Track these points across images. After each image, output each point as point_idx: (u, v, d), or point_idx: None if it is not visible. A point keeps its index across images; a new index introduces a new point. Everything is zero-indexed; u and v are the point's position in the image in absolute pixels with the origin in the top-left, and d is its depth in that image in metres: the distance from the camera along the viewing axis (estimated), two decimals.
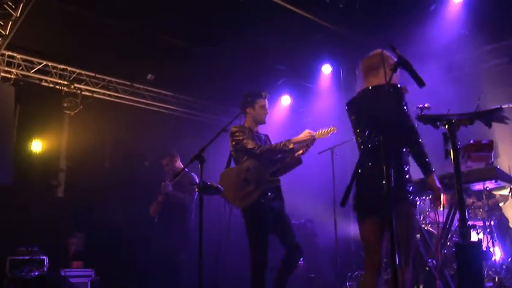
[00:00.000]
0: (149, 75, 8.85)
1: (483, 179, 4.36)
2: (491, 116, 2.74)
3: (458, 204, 2.61)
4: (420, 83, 3.02)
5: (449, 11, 7.24)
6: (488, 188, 5.10)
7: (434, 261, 4.44)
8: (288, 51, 8.21)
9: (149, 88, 9.16)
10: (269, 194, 4.46)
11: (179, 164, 7.03)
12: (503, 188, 5.30)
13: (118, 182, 7.93)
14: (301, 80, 9.57)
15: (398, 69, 3.12)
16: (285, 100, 9.68)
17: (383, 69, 3.41)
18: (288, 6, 7.13)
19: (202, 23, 7.59)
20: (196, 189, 4.22)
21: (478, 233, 5.66)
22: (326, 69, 9.31)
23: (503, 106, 2.94)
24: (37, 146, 8.37)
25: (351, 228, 8.72)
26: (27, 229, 7.14)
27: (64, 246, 7.95)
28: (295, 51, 8.28)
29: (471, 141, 2.82)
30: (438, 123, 2.90)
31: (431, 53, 7.40)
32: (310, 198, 8.30)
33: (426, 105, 4.92)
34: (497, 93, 6.46)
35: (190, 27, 7.71)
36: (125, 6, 7.00)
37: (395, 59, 3.05)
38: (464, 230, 2.54)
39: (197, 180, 6.91)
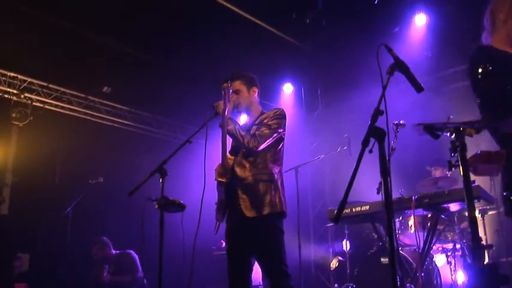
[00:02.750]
0: (105, 88, 8.27)
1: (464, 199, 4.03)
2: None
3: (469, 223, 2.21)
4: (419, 88, 2.66)
5: (412, 33, 7.20)
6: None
7: (412, 286, 4.05)
8: (250, 67, 7.82)
9: (104, 101, 8.56)
10: None
11: (111, 252, 6.64)
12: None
13: (67, 199, 7.23)
14: (261, 98, 9.21)
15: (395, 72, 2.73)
16: (243, 119, 9.29)
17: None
18: (252, 18, 6.79)
19: (164, 35, 7.12)
20: (157, 206, 3.67)
21: (447, 256, 5.34)
22: (287, 88, 9.02)
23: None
24: None
25: (312, 252, 8.34)
26: None
27: (7, 268, 7.15)
28: (257, 67, 7.87)
29: (478, 152, 2.42)
30: (439, 133, 2.50)
31: (396, 74, 7.24)
32: None
33: (401, 122, 4.63)
34: (464, 115, 6.28)
35: (151, 38, 7.24)
36: (83, 12, 6.46)
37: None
38: (478, 252, 2.13)
39: (136, 258, 6.55)
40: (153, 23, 6.81)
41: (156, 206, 3.70)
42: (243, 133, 3.60)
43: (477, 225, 2.19)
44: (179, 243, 4.00)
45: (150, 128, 9.24)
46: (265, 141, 3.60)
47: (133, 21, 6.75)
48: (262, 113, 3.87)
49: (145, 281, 6.45)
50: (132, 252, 6.54)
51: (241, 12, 6.70)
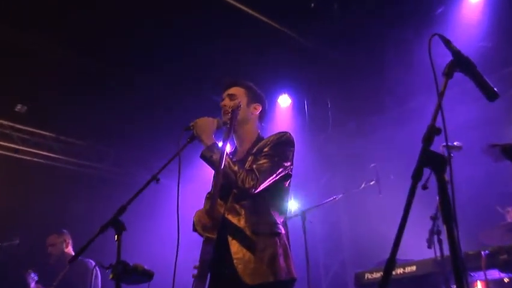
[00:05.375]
0: (19, 106, 8.23)
1: None
2: None
3: None
4: (491, 94, 2.69)
5: (462, 15, 7.10)
6: None
7: None
8: (231, 72, 7.83)
9: (18, 126, 8.54)
10: None
11: (69, 250, 6.81)
12: None
13: None
14: None
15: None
16: (227, 148, 9.33)
17: None
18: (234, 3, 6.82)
19: (113, 28, 7.10)
20: (111, 276, 3.62)
21: None
22: (284, 101, 9.07)
23: None
24: None
25: None
26: None
27: None
28: (241, 71, 7.85)
29: None
30: None
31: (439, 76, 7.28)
32: None
33: (455, 143, 4.68)
34: None
35: (90, 37, 7.20)
36: None
37: None
38: None
39: (94, 273, 6.50)
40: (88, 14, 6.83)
41: (110, 276, 3.64)
42: (235, 167, 3.59)
43: None
44: None
45: (87, 162, 9.23)
46: (266, 179, 3.58)
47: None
48: (260, 139, 3.88)
49: None
50: (89, 261, 6.51)
51: None
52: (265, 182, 3.57)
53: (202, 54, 7.34)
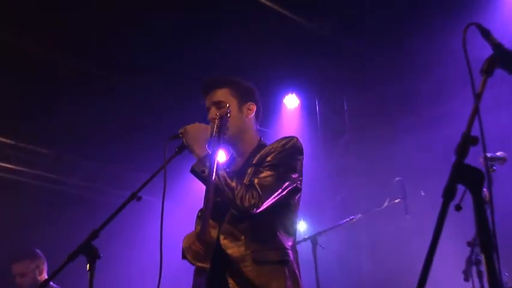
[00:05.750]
0: None
1: None
2: None
3: None
4: None
5: None
6: None
7: None
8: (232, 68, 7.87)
9: None
10: None
11: (44, 277, 6.63)
12: None
13: None
14: None
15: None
16: (222, 157, 9.38)
17: None
18: None
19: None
20: None
21: None
22: (291, 101, 9.15)
23: None
24: None
25: None
26: None
27: None
28: (238, 67, 7.89)
29: None
30: None
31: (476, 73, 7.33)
32: None
33: (498, 154, 4.69)
34: None
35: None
36: None
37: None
38: None
39: None
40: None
41: None
42: (232, 183, 3.58)
43: None
44: None
45: (54, 175, 9.26)
46: (270, 196, 3.56)
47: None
48: (261, 145, 3.89)
49: None
50: None
51: None
52: (269, 200, 3.54)
53: (203, 53, 7.44)
